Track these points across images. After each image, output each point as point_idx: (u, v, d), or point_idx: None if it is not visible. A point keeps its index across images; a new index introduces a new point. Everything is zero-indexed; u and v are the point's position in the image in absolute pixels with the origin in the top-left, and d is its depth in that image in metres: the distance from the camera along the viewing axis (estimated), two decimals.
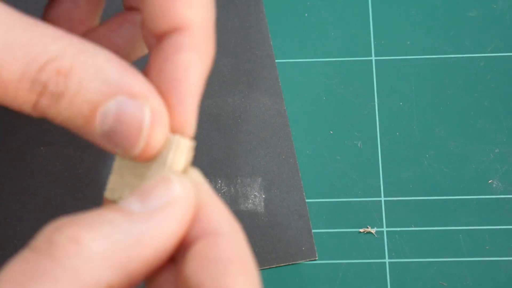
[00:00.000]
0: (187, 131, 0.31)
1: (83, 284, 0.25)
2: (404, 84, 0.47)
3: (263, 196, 0.44)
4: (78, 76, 0.29)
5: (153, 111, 0.30)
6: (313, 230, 0.43)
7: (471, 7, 0.48)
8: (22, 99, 0.30)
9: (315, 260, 0.43)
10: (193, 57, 0.31)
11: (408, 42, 0.47)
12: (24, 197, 0.44)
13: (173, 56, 0.31)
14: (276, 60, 0.47)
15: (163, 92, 0.31)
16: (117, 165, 0.31)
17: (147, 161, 0.30)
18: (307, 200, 0.44)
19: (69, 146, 0.45)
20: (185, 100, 0.31)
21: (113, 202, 0.31)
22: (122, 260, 0.26)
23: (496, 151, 0.45)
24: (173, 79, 0.31)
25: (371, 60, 0.47)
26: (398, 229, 0.43)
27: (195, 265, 0.27)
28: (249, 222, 0.43)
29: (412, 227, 0.43)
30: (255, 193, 0.44)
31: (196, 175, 0.30)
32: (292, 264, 0.43)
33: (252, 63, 0.47)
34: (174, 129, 0.31)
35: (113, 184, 0.31)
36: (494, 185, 0.44)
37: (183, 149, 0.30)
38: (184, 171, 0.30)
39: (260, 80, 0.46)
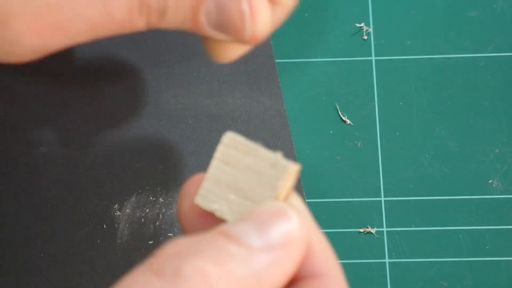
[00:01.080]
0: None
1: None
2: (404, 84, 0.47)
3: None
4: None
5: (250, 2, 0.33)
6: None
7: (471, 7, 0.48)
8: (137, 25, 0.34)
9: None
10: None
11: (408, 42, 0.47)
12: (24, 197, 0.44)
13: None
14: (276, 60, 0.47)
15: None
16: (214, 172, 0.29)
17: (250, 155, 0.29)
18: (307, 200, 0.44)
19: (69, 146, 0.45)
20: None
21: (207, 210, 0.29)
22: None
23: (496, 151, 0.45)
24: None
25: (371, 60, 0.47)
26: (398, 229, 0.43)
27: None
28: None
29: (412, 227, 0.43)
30: None
31: (297, 201, 0.29)
32: None
33: (252, 63, 0.47)
34: None
35: (207, 191, 0.29)
36: (494, 185, 0.44)
37: (290, 173, 0.28)
38: (287, 197, 0.29)
39: (260, 80, 0.46)
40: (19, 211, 0.44)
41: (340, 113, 0.46)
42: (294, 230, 0.27)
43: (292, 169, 0.28)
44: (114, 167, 0.45)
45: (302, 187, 0.44)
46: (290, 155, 0.45)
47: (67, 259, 0.43)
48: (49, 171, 0.44)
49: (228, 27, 0.33)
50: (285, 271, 0.27)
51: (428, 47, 0.47)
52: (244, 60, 0.47)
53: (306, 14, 0.48)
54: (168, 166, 0.45)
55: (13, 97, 0.46)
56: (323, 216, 0.44)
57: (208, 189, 0.29)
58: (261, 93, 0.46)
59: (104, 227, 0.44)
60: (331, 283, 0.28)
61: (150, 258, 0.25)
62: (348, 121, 0.46)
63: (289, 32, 0.48)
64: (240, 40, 0.34)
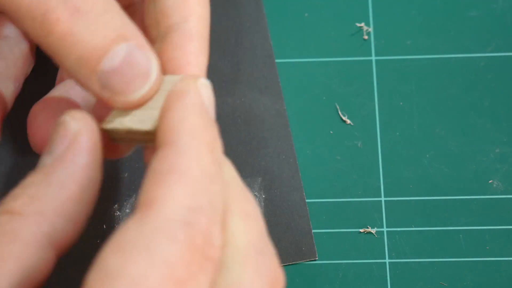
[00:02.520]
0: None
1: (24, 242, 0.27)
2: (404, 84, 0.47)
3: (263, 196, 0.44)
4: (103, 5, 0.30)
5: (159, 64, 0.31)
6: (313, 230, 0.43)
7: (471, 7, 0.48)
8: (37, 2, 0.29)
9: (315, 260, 0.43)
10: (200, 44, 0.33)
11: (408, 42, 0.47)
12: None
13: (183, 43, 0.32)
14: (276, 60, 0.47)
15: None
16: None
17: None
18: (307, 200, 0.44)
19: None
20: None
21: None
22: (52, 213, 0.28)
23: (496, 151, 0.45)
24: (185, 63, 0.32)
25: (371, 60, 0.47)
26: (398, 229, 0.43)
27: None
28: None
29: (412, 227, 0.43)
30: (255, 193, 0.44)
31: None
32: (292, 264, 0.43)
33: (252, 63, 0.47)
34: None
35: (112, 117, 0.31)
36: (494, 185, 0.44)
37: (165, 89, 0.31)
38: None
39: (260, 80, 0.46)
40: None
41: (340, 113, 0.46)
42: (72, 130, 0.29)
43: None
44: (113, 167, 0.44)
45: (302, 187, 0.44)
46: (290, 154, 0.45)
47: (67, 259, 0.43)
48: None
49: (120, 82, 0.30)
50: (80, 170, 0.29)
51: (428, 47, 0.47)
52: (244, 59, 0.47)
53: (306, 14, 0.48)
54: None
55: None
56: (323, 216, 0.44)
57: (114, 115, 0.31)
58: (261, 93, 0.46)
59: (104, 227, 0.43)
60: (174, 152, 0.27)
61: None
62: (348, 121, 0.46)
63: (289, 32, 0.48)
64: (114, 99, 0.30)
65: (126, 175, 0.44)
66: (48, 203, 0.28)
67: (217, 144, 0.29)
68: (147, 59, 0.30)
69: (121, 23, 0.30)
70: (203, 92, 0.30)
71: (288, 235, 0.43)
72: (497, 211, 0.44)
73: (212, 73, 0.46)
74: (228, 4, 0.48)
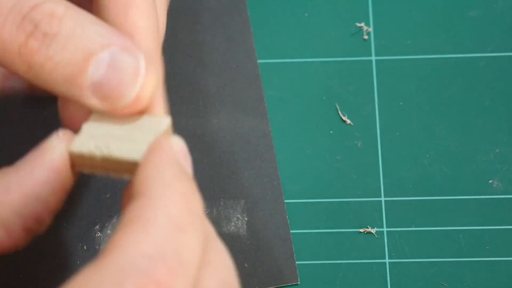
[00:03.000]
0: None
1: None
2: (404, 84, 0.47)
3: (246, 219, 0.43)
4: (72, 22, 0.30)
5: (147, 61, 0.30)
6: (313, 230, 0.43)
7: (471, 7, 0.48)
8: (9, 36, 0.29)
9: (297, 284, 0.42)
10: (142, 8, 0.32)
11: (408, 42, 0.47)
12: None
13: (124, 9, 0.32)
14: (276, 60, 0.47)
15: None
16: (87, 128, 0.31)
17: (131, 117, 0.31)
18: (307, 200, 0.44)
19: None
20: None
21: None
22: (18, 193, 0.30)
23: (496, 151, 0.45)
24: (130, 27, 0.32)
25: (371, 60, 0.47)
26: (398, 229, 0.43)
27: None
28: (231, 245, 0.42)
29: (412, 227, 0.43)
30: (238, 216, 0.43)
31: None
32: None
33: (238, 83, 0.46)
34: None
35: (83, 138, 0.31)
36: (494, 185, 0.44)
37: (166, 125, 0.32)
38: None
39: (245, 101, 0.46)
40: None
41: (340, 113, 0.46)
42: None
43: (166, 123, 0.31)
44: (94, 187, 0.44)
45: (285, 211, 0.44)
46: (274, 177, 0.44)
47: (47, 280, 0.42)
48: None
49: (113, 85, 0.30)
50: None
51: (428, 47, 0.47)
52: (230, 80, 0.46)
53: (306, 14, 0.48)
54: None
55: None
56: (323, 216, 0.44)
57: (85, 136, 0.31)
58: (246, 114, 0.45)
59: (85, 248, 0.43)
60: (148, 206, 0.27)
61: None
62: (348, 121, 0.46)
63: (289, 32, 0.48)
64: (115, 105, 0.30)
65: (108, 195, 0.44)
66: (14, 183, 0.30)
67: (194, 197, 0.28)
68: (133, 58, 0.30)
69: (96, 33, 0.30)
70: (176, 149, 0.30)
71: (270, 258, 0.42)
72: (497, 211, 0.44)
73: (198, 93, 0.46)
74: (215, 23, 0.47)
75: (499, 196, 0.44)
